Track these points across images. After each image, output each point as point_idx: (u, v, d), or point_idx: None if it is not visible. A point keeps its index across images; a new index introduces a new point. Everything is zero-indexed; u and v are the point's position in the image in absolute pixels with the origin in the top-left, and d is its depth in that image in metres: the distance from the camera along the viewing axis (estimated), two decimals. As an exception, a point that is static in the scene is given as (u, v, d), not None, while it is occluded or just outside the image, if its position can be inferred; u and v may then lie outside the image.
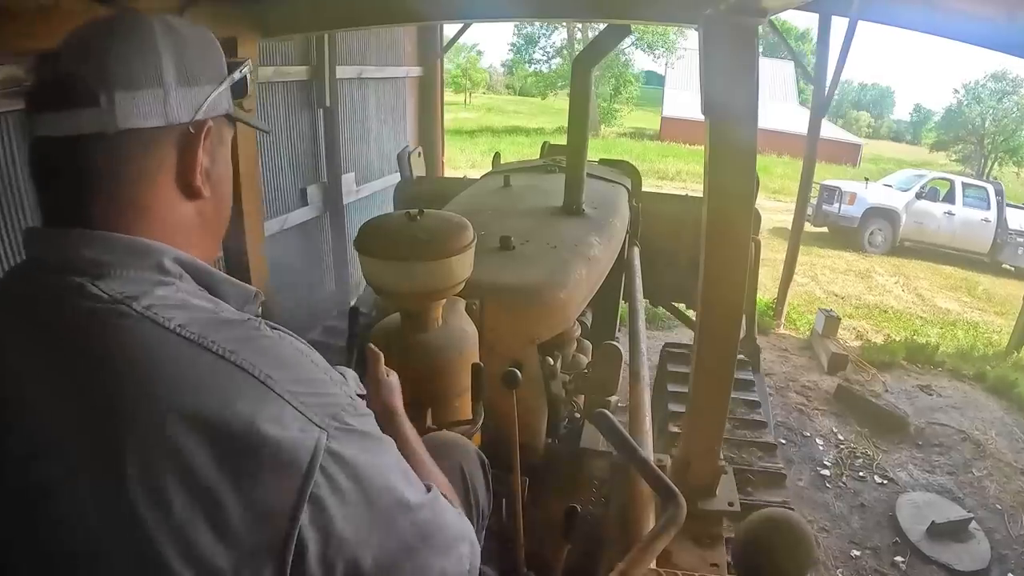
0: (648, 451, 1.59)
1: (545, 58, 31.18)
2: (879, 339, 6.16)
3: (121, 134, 0.65)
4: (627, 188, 3.18)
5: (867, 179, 11.20)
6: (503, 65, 38.67)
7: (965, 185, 10.76)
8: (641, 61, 32.17)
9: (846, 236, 10.58)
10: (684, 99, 23.86)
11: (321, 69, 4.44)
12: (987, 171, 24.59)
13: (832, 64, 5.23)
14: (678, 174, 16.96)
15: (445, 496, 0.79)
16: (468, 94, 35.77)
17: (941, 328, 6.80)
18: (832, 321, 5.58)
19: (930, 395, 4.95)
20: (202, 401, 0.57)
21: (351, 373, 0.91)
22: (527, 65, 32.57)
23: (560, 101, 30.44)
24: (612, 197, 2.80)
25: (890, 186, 11.21)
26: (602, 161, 3.64)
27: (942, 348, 5.86)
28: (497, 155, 4.07)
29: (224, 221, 0.83)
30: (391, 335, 1.44)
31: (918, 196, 10.56)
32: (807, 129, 5.77)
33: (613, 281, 2.54)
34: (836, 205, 10.56)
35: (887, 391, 4.97)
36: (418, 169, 4.82)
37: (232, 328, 0.64)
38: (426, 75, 5.92)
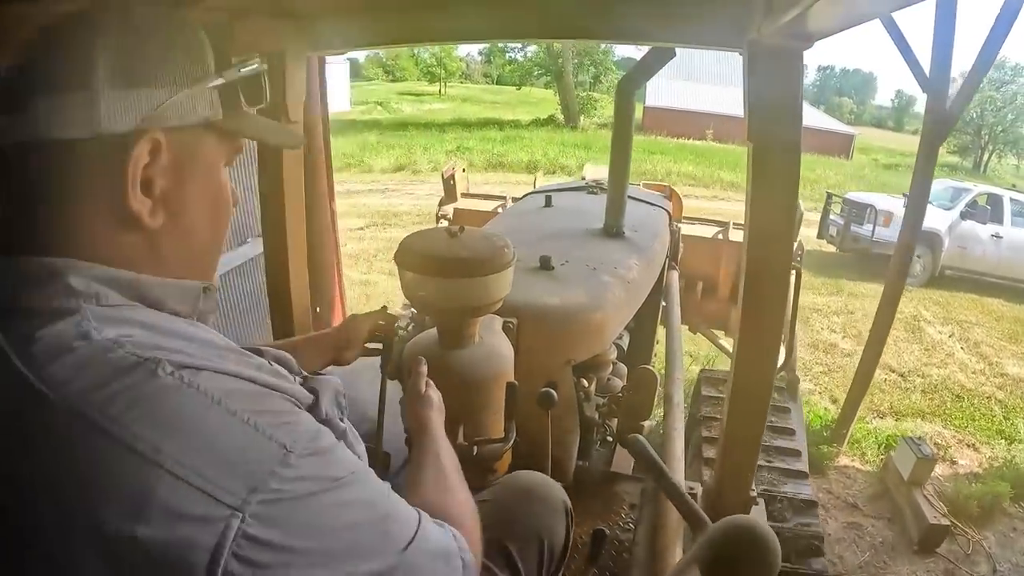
0: (679, 478, 1.56)
1: (520, 45, 29.73)
2: (967, 459, 4.71)
3: (46, 145, 0.57)
4: (668, 212, 3.17)
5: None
6: (480, 53, 37.37)
7: (1013, 201, 9.18)
8: (622, 47, 30.64)
9: (875, 262, 8.51)
10: (667, 87, 21.91)
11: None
12: (985, 163, 23.60)
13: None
14: (667, 175, 14.81)
15: (443, 523, 0.69)
16: (443, 84, 34.63)
17: (1026, 415, 5.46)
18: (925, 464, 3.75)
19: (1048, 564, 3.65)
20: (84, 498, 0.48)
21: (329, 386, 0.71)
22: (505, 53, 31.08)
23: (538, 91, 28.68)
24: (653, 220, 2.80)
25: (929, 202, 9.69)
26: (645, 185, 3.65)
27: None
28: (535, 181, 4.16)
29: (199, 257, 0.69)
30: (427, 350, 1.46)
31: (963, 216, 9.03)
32: (918, 147, 4.06)
33: (651, 305, 2.53)
34: (868, 227, 8.79)
35: (996, 571, 3.58)
36: (461, 187, 4.88)
37: (120, 378, 0.51)
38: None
